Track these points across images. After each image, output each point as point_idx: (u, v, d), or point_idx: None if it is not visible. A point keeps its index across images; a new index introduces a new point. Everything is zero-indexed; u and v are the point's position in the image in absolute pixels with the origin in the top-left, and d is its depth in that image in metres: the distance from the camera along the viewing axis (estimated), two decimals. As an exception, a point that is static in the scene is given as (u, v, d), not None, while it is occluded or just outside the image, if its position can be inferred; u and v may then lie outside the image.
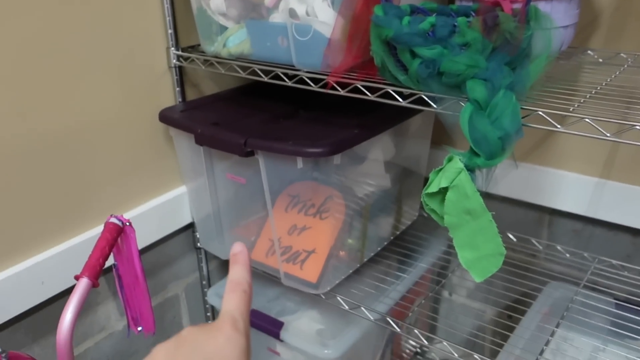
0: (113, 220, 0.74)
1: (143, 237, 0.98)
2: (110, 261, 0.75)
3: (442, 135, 1.12)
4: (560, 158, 1.01)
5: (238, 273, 0.46)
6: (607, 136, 0.58)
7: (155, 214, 1.01)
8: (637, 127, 0.57)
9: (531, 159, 1.04)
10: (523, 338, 0.89)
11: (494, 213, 0.64)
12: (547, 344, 0.80)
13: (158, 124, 0.97)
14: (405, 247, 1.09)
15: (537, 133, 1.02)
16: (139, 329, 0.81)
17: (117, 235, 0.73)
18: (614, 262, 0.96)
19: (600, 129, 0.58)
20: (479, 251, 0.67)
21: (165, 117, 0.95)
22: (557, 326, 0.84)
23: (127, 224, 0.75)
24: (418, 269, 1.08)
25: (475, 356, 0.78)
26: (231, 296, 0.44)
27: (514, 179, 1.06)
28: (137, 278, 0.77)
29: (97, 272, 0.70)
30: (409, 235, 1.12)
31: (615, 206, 0.97)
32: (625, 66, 0.82)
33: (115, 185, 0.94)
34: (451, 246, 0.70)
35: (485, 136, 0.61)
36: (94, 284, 0.69)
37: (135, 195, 0.98)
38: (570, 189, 1.01)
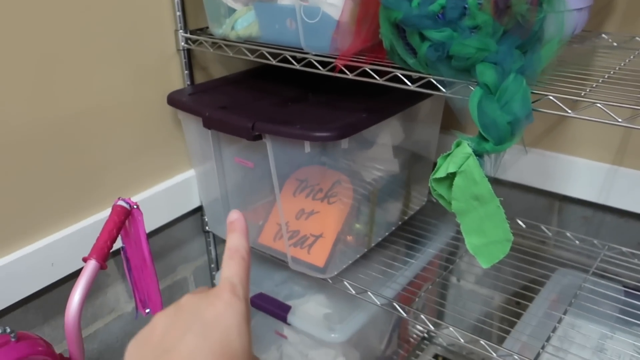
0: (121, 203, 0.74)
1: (152, 220, 0.99)
2: (118, 244, 0.76)
3: (451, 120, 1.11)
4: (571, 144, 1.00)
5: (236, 240, 0.46)
6: (619, 122, 0.57)
7: (164, 197, 1.01)
8: (650, 113, 0.56)
9: (542, 144, 1.03)
10: (530, 324, 0.88)
11: (502, 199, 0.63)
12: (554, 330, 0.80)
13: (166, 107, 0.96)
14: (414, 233, 1.09)
15: (548, 118, 1.01)
16: (147, 311, 0.82)
17: (124, 218, 0.74)
18: (624, 249, 0.95)
19: (612, 114, 0.57)
20: (486, 237, 0.66)
21: (174, 100, 0.94)
22: (565, 313, 0.84)
23: (135, 206, 0.75)
24: (426, 254, 1.08)
25: (482, 342, 0.77)
26: (229, 263, 0.44)
27: (524, 165, 1.05)
28: (145, 261, 0.77)
29: (105, 254, 0.70)
30: (418, 220, 1.12)
31: (626, 193, 0.96)
32: (640, 50, 0.81)
33: (124, 168, 0.94)
34: (459, 232, 0.69)
35: (494, 121, 0.60)
36: (102, 266, 0.70)
37: (144, 178, 0.98)
38: (581, 175, 1.00)
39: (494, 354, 0.77)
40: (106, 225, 0.72)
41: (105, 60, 0.87)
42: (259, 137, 0.83)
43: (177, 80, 1.00)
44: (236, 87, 1.02)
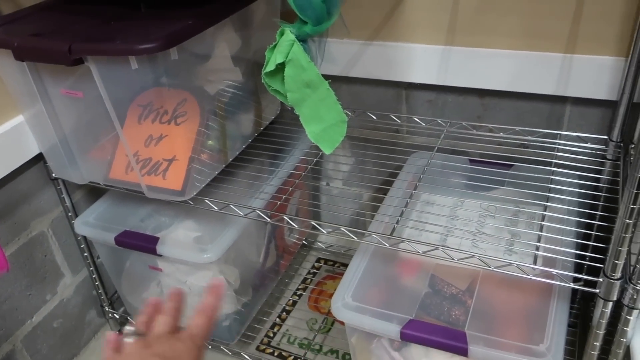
0: None
1: (-17, 176, 0.90)
2: None
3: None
4: (407, 31, 1.02)
5: (211, 301, 0.59)
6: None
7: (-7, 149, 0.91)
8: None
9: (381, 36, 1.04)
10: (391, 206, 0.93)
11: (330, 81, 0.63)
12: (406, 206, 0.84)
13: (-30, 46, 0.85)
14: (274, 142, 1.08)
15: (383, 8, 1.02)
16: (-9, 268, 0.75)
17: None
18: (465, 123, 1.02)
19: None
20: (323, 122, 0.67)
21: (-25, 35, 0.83)
22: (415, 189, 0.88)
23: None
24: (291, 160, 1.08)
25: (343, 229, 0.80)
26: (198, 316, 0.58)
27: (368, 60, 1.07)
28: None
29: None
30: (276, 130, 1.11)
31: (461, 70, 1.01)
32: None
33: None
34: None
35: (309, 1, 0.59)
36: None
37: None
38: (420, 61, 1.03)
39: (356, 239, 0.81)
40: None
41: None
42: (80, 61, 0.76)
43: (-22, 14, 0.88)
44: (51, 13, 0.91)
